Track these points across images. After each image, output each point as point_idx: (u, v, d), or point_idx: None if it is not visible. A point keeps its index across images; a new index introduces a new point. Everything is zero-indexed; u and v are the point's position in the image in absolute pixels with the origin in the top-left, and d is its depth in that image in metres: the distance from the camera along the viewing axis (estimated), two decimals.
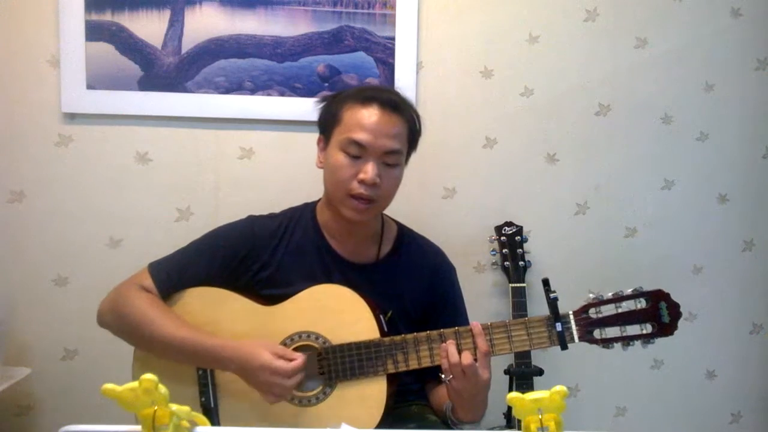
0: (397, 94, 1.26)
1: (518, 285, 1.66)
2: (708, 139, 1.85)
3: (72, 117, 1.67)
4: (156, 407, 0.69)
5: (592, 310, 1.14)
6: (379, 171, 1.19)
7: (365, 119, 1.20)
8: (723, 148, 1.85)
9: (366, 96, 1.22)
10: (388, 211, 1.36)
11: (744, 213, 1.88)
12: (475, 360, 1.11)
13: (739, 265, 1.89)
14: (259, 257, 1.27)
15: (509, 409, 1.62)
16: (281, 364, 1.10)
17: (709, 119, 1.84)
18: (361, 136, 1.19)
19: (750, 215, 1.88)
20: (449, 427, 1.27)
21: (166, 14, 1.66)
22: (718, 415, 1.93)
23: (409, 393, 1.33)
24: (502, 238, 1.71)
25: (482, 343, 1.13)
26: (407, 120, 1.25)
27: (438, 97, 1.76)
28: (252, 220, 1.31)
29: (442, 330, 1.17)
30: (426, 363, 1.17)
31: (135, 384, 0.68)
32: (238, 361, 1.13)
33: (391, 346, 1.17)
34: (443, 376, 1.13)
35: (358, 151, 1.19)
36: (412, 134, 1.27)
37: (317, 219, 1.32)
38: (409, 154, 1.30)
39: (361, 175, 1.18)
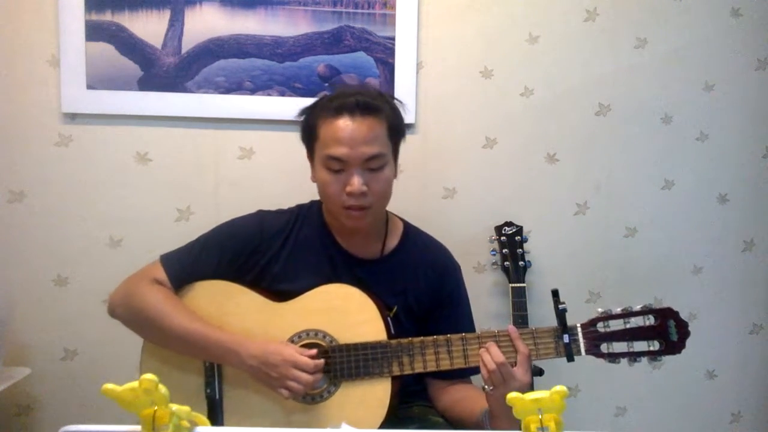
0: (367, 93, 1.23)
1: (518, 285, 1.66)
2: (708, 139, 1.85)
3: (72, 117, 1.67)
4: (156, 407, 0.69)
5: (600, 324, 1.14)
6: (364, 179, 1.19)
7: (339, 132, 1.18)
8: (723, 148, 1.85)
9: (335, 106, 1.20)
10: (392, 210, 1.36)
11: (744, 213, 1.88)
12: (513, 364, 1.10)
13: (739, 265, 1.89)
14: (267, 252, 1.28)
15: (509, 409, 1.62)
16: (305, 359, 1.13)
17: (709, 119, 1.84)
18: (337, 151, 1.18)
19: (750, 215, 1.88)
20: (451, 427, 1.27)
21: (166, 14, 1.66)
22: (718, 415, 1.93)
23: (411, 394, 1.33)
24: (502, 238, 1.71)
25: (522, 346, 1.12)
26: (384, 117, 1.22)
27: (438, 97, 1.76)
28: (261, 215, 1.33)
29: (448, 336, 1.17)
30: (432, 367, 1.17)
31: (135, 384, 0.68)
32: (259, 355, 1.14)
33: (398, 349, 1.18)
34: (485, 387, 1.11)
35: (339, 165, 1.19)
36: (394, 129, 1.25)
37: (324, 216, 1.33)
38: (397, 147, 1.27)
39: (348, 188, 1.19)
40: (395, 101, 1.28)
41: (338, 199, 1.21)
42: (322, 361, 1.15)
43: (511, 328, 1.14)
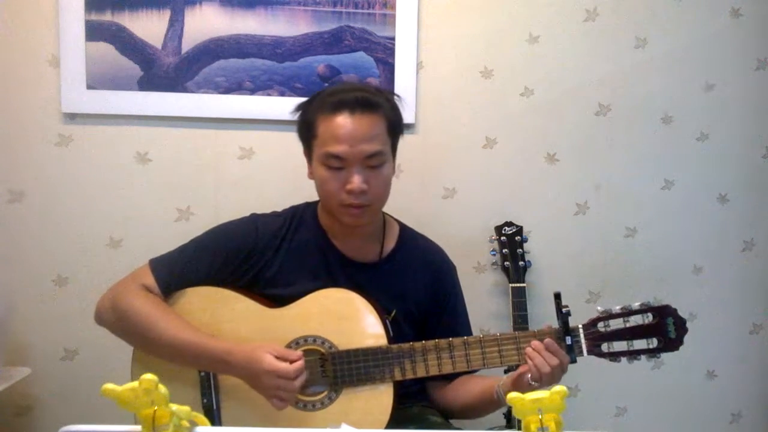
0: (367, 90, 1.22)
1: (518, 285, 1.66)
2: (708, 139, 1.85)
3: (72, 117, 1.67)
4: (156, 407, 0.69)
5: (600, 324, 1.15)
6: (364, 177, 1.18)
7: (338, 129, 1.16)
8: (723, 148, 1.85)
9: (335, 102, 1.18)
10: (389, 211, 1.36)
11: (744, 213, 1.88)
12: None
13: (739, 265, 1.89)
14: (262, 256, 1.26)
15: (509, 409, 1.62)
16: (283, 366, 1.09)
17: (709, 119, 1.84)
18: (337, 148, 1.16)
19: (750, 215, 1.88)
20: (451, 427, 1.27)
21: (166, 14, 1.66)
22: (718, 415, 1.93)
23: (410, 395, 1.32)
24: (502, 238, 1.71)
25: (563, 356, 1.14)
26: (383, 115, 1.20)
27: (438, 97, 1.76)
28: (255, 219, 1.31)
29: (450, 339, 1.17)
30: (434, 371, 1.17)
31: (135, 384, 0.68)
32: (245, 367, 1.11)
33: (399, 354, 1.17)
34: (532, 382, 1.11)
35: (338, 163, 1.17)
36: (393, 126, 1.23)
37: (319, 218, 1.32)
38: (396, 144, 1.26)
39: (348, 186, 1.17)
40: (394, 97, 1.26)
41: (337, 197, 1.19)
42: (300, 362, 1.09)
43: (549, 341, 1.13)
